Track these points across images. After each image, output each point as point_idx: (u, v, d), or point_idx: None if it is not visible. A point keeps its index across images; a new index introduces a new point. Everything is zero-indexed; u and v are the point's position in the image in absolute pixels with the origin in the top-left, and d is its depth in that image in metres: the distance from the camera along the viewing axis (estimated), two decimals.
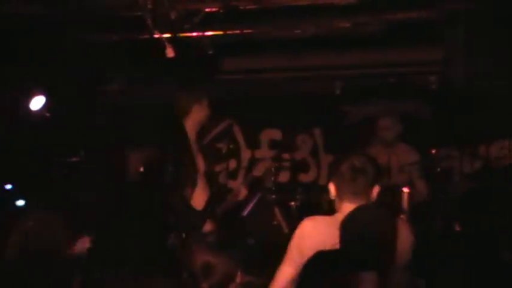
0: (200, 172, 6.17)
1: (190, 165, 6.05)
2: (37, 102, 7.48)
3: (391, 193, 6.64)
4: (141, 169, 8.07)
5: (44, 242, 3.57)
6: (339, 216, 3.64)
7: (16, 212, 7.50)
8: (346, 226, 3.26)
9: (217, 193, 6.44)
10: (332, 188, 3.93)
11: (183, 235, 5.73)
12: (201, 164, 6.20)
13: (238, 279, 3.44)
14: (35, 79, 7.40)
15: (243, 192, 6.32)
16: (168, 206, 5.89)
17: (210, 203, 6.12)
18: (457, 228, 6.93)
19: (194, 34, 6.96)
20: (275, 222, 7.70)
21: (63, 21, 6.84)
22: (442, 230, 6.92)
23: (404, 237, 3.67)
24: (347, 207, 3.62)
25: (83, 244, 4.03)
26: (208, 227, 6.01)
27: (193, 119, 6.16)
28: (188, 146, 6.10)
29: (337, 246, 3.28)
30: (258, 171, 8.51)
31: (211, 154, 7.14)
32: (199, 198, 6.07)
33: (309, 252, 3.84)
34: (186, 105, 6.13)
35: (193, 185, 6.05)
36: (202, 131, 6.69)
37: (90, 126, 8.68)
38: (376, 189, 3.85)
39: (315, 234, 3.86)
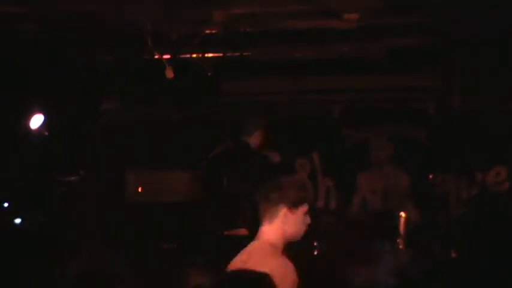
0: None
1: None
2: (36, 121, 7.49)
3: (387, 217, 6.65)
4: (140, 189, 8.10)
5: None
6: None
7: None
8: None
9: None
10: None
11: None
12: None
13: None
14: (34, 98, 7.42)
15: None
16: None
17: None
18: (454, 254, 6.93)
19: (194, 55, 7.01)
20: None
21: (63, 41, 6.87)
22: (439, 255, 6.92)
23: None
24: None
25: None
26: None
27: (254, 141, 6.81)
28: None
29: None
30: None
31: None
32: None
33: None
34: (253, 126, 6.82)
35: None
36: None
37: (90, 146, 8.69)
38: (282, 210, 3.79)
39: None
